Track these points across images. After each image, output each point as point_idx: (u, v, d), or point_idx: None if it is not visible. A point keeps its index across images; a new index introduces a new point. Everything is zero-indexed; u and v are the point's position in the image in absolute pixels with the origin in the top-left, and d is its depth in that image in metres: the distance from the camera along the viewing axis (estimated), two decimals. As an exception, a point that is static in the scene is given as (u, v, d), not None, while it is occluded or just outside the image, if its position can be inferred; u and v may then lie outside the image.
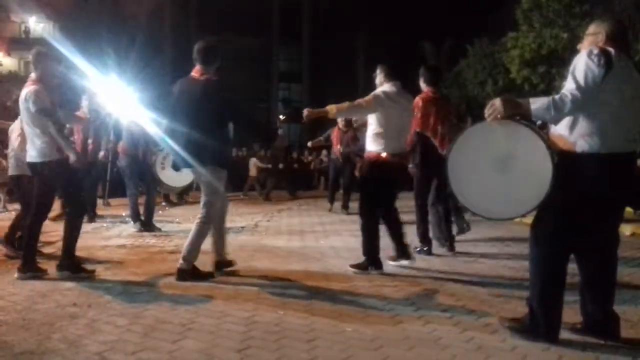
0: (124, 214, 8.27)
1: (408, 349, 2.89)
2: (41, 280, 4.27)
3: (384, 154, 4.60)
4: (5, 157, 10.42)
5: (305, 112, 4.59)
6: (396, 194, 4.84)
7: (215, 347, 2.90)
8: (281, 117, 34.15)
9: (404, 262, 4.75)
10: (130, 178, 7.45)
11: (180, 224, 7.98)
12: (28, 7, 27.82)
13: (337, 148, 9.90)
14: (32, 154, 4.46)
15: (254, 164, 14.78)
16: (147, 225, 7.14)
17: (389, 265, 4.77)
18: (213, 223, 4.48)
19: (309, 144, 10.98)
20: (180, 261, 4.34)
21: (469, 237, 6.37)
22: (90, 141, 7.74)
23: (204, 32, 32.33)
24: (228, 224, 7.53)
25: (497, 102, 2.93)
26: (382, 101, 4.57)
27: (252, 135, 5.41)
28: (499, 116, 2.92)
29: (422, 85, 5.55)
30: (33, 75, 4.52)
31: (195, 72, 4.44)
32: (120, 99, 7.34)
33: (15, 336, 3.01)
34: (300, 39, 37.61)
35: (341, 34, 32.82)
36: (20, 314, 3.41)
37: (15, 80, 27.92)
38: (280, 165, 14.42)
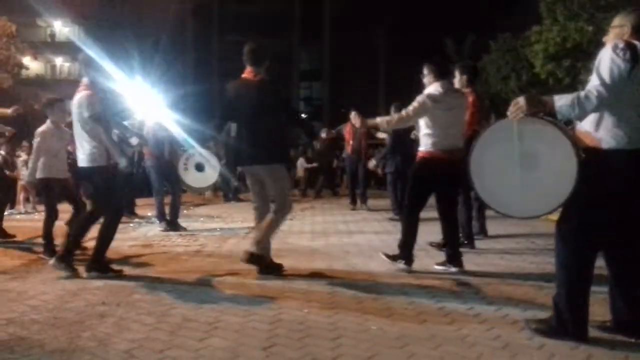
0: (150, 214, 8.39)
1: (434, 348, 2.88)
2: (71, 280, 4.36)
3: (431, 152, 4.58)
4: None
5: (358, 118, 4.62)
6: (452, 192, 4.73)
7: (240, 345, 2.93)
8: (303, 115, 34.17)
9: (452, 269, 4.60)
10: (155, 178, 7.54)
11: (204, 223, 8.07)
12: (53, 11, 28.36)
13: (349, 144, 10.00)
14: (81, 158, 4.55)
15: (300, 164, 14.98)
16: (172, 224, 7.23)
17: (435, 267, 4.71)
18: (285, 213, 4.61)
19: (322, 134, 11.15)
20: (253, 243, 4.48)
21: (493, 233, 6.32)
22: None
23: (225, 34, 32.60)
24: (252, 223, 7.62)
25: (520, 100, 2.91)
26: (427, 106, 4.52)
27: (301, 131, 5.63)
28: (521, 114, 2.89)
29: (461, 84, 5.53)
30: (85, 80, 4.61)
31: (248, 73, 4.55)
32: (145, 101, 7.45)
33: (47, 334, 3.08)
34: (321, 37, 37.66)
35: (361, 32, 32.76)
36: (51, 313, 3.48)
37: (42, 83, 28.56)
38: (335, 164, 14.69)
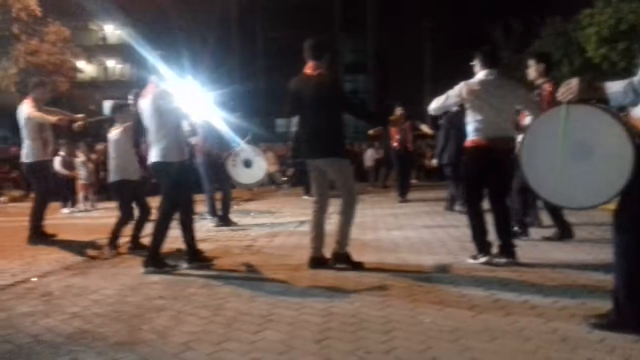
0: (202, 210, 8.57)
1: (489, 341, 2.83)
2: (129, 275, 4.52)
3: (475, 141, 4.59)
4: (90, 160, 11.08)
5: (425, 127, 4.91)
6: (499, 181, 4.63)
7: (294, 338, 2.97)
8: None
9: (502, 261, 4.50)
10: (205, 175, 7.70)
11: (255, 218, 8.19)
12: (104, 15, 29.26)
13: (395, 138, 10.05)
14: (156, 154, 4.65)
15: (370, 156, 15.10)
16: (224, 220, 7.37)
17: (469, 262, 4.64)
18: (353, 208, 4.63)
19: (370, 132, 11.26)
20: (335, 245, 4.54)
21: (548, 224, 6.15)
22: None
23: (269, 30, 32.85)
24: (301, 217, 7.70)
25: (573, 82, 2.83)
26: (461, 92, 4.58)
27: (367, 123, 5.72)
28: (571, 97, 2.81)
29: (538, 73, 5.38)
30: (154, 78, 4.70)
31: (308, 68, 4.61)
32: (195, 100, 7.58)
33: (109, 327, 3.21)
34: (364, 29, 37.41)
35: (406, 21, 32.36)
36: (112, 307, 3.62)
37: (95, 85, 29.57)
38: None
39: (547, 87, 5.22)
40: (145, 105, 4.71)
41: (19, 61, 17.25)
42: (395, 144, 10.24)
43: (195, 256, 4.83)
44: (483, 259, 4.55)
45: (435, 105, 4.82)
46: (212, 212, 7.59)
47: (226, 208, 7.50)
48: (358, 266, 4.51)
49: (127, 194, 5.58)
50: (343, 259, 4.54)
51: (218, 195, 7.67)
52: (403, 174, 10.46)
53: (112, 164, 5.59)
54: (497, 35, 25.04)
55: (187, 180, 4.97)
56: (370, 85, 39.03)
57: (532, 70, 5.38)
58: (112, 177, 5.60)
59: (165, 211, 4.69)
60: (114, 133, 5.61)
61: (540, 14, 21.86)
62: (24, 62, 17.35)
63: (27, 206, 10.23)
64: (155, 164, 4.69)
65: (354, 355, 2.70)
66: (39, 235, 6.11)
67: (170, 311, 3.49)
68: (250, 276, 4.41)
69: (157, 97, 4.61)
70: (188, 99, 6.63)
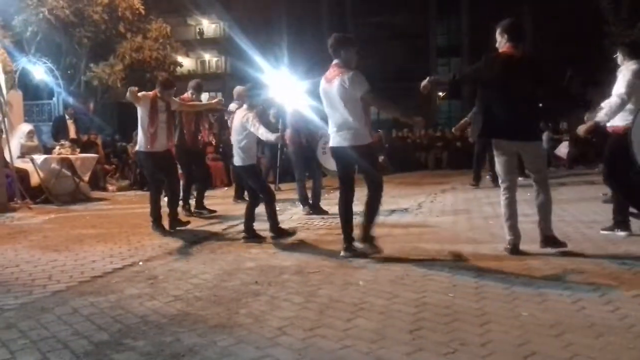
0: (294, 198, 8.73)
1: (594, 337, 2.67)
2: (226, 260, 4.70)
3: (615, 127, 4.87)
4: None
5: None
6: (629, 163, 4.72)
7: (386, 327, 2.96)
8: (440, 94, 33.23)
9: (620, 234, 4.94)
10: (296, 164, 7.82)
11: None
12: (201, 10, 30.35)
13: None
14: (346, 137, 4.66)
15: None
16: (315, 208, 7.47)
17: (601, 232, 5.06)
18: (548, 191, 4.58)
19: (454, 129, 11.15)
20: (542, 229, 4.53)
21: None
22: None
23: (360, 14, 32.65)
24: (392, 206, 7.63)
25: None
26: (624, 92, 4.74)
27: (567, 108, 5.70)
28: None
29: None
30: (338, 61, 4.70)
31: (506, 48, 4.50)
32: (287, 90, 7.69)
33: (209, 310, 3.36)
34: (459, 10, 36.13)
35: (503, 1, 30.87)
36: (211, 291, 3.78)
37: (193, 78, 30.80)
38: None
39: None
40: (331, 88, 4.65)
41: (124, 58, 18.30)
42: None
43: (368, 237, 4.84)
44: (622, 233, 4.93)
45: (609, 113, 4.79)
46: (304, 200, 7.70)
47: (317, 196, 7.59)
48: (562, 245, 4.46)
49: (257, 176, 5.69)
50: (551, 242, 4.46)
51: (309, 184, 7.77)
52: (482, 159, 10.18)
53: (238, 148, 5.59)
54: (606, 12, 23.26)
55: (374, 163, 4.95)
56: (464, 69, 37.77)
57: None
58: (241, 162, 5.61)
59: (375, 188, 4.78)
60: (241, 118, 5.57)
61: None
62: (129, 58, 18.37)
63: (133, 195, 10.95)
64: (341, 148, 4.68)
65: (447, 346, 2.65)
66: (158, 224, 6.31)
67: (265, 296, 3.60)
68: (341, 264, 4.44)
69: (349, 80, 4.55)
70: (282, 89, 6.69)
